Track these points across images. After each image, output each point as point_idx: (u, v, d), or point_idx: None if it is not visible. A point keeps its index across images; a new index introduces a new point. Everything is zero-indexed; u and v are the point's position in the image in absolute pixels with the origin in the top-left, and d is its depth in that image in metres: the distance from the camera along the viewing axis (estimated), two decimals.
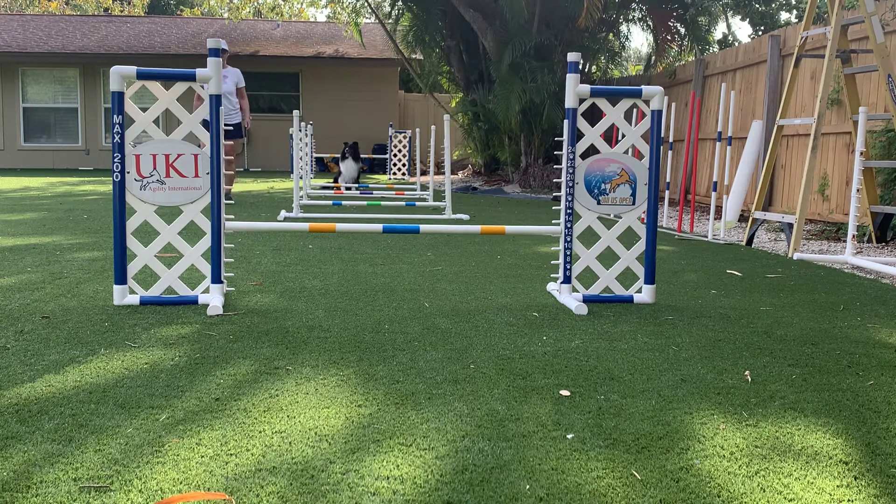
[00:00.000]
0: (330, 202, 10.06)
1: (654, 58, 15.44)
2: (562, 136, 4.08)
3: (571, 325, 3.63)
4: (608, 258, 4.59)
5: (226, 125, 4.14)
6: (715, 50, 16.27)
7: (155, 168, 3.81)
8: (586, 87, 4.01)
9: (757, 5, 19.63)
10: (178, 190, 3.83)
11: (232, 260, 4.55)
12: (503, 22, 14.09)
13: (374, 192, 12.41)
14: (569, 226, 4.08)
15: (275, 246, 6.04)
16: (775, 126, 7.13)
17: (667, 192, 8.80)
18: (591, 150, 4.09)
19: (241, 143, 6.13)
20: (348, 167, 14.51)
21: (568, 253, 4.09)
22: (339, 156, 15.02)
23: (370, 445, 2.13)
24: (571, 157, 4.03)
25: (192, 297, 3.89)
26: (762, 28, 20.20)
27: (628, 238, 4.20)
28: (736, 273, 5.31)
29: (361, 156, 15.12)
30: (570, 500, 1.84)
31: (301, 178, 9.99)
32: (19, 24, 21.98)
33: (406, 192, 11.91)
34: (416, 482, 1.91)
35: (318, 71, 20.58)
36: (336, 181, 14.42)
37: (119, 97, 3.72)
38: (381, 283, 4.57)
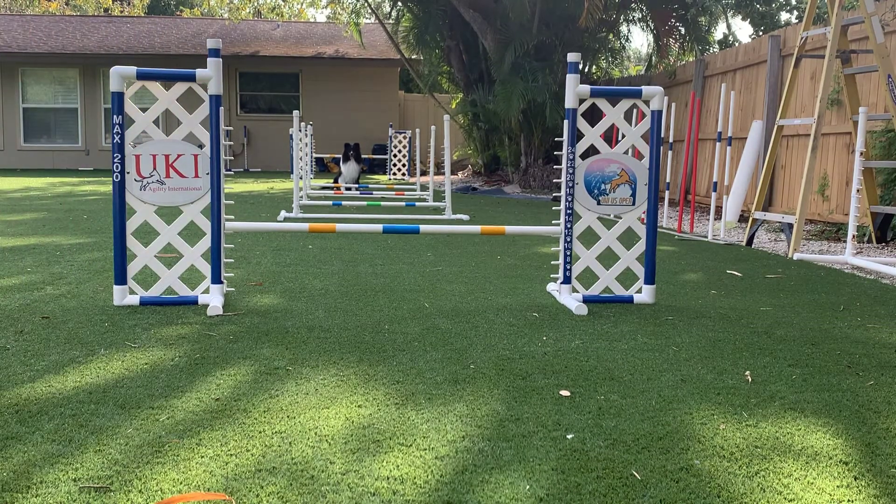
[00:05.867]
0: (330, 202, 10.06)
1: (654, 58, 15.45)
2: (562, 137, 4.08)
3: (571, 325, 3.63)
4: (608, 258, 4.59)
5: None
6: (715, 50, 16.28)
7: (155, 168, 3.81)
8: (586, 88, 4.01)
9: (758, 5, 19.62)
10: (178, 190, 3.83)
11: (232, 260, 4.55)
12: (503, 22, 14.09)
13: (374, 192, 12.41)
14: (569, 226, 4.08)
15: (275, 246, 6.04)
16: (775, 126, 7.13)
17: (667, 192, 8.80)
18: (591, 151, 4.09)
19: None
20: (349, 168, 14.51)
21: (568, 253, 4.09)
22: (339, 156, 15.02)
23: (370, 445, 2.13)
24: (571, 157, 4.03)
25: (192, 297, 3.89)
26: (762, 28, 20.20)
27: (628, 238, 4.20)
28: (736, 273, 5.31)
29: (361, 156, 15.12)
30: (570, 500, 1.84)
31: (301, 178, 9.99)
32: (19, 25, 21.98)
33: (406, 193, 11.91)
34: (416, 482, 1.91)
35: (318, 71, 20.58)
36: (336, 181, 14.42)
37: (119, 97, 3.72)
38: (381, 284, 4.57)
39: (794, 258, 6.11)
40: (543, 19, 13.94)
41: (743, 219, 9.41)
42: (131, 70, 3.74)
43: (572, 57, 4.04)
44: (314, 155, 16.10)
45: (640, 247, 4.16)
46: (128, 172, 3.78)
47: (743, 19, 20.09)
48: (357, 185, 13.27)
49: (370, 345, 3.20)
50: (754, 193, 8.65)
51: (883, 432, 2.33)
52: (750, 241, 7.08)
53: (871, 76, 7.56)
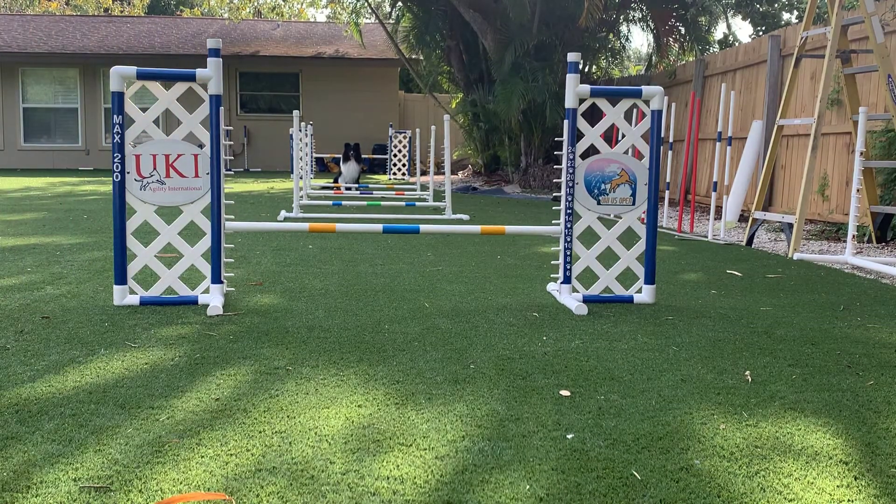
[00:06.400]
0: (330, 202, 10.06)
1: (654, 58, 15.45)
2: (562, 137, 4.08)
3: (571, 325, 3.63)
4: (608, 258, 4.59)
5: None
6: (715, 50, 16.28)
7: (155, 168, 3.81)
8: (586, 88, 4.01)
9: (758, 5, 19.63)
10: (178, 190, 3.83)
11: (232, 260, 4.55)
12: (503, 22, 14.09)
13: (374, 192, 12.41)
14: (569, 226, 4.08)
15: (275, 246, 6.04)
16: (775, 126, 7.13)
17: (667, 192, 8.80)
18: (591, 150, 4.09)
19: None
20: (349, 168, 14.52)
21: (568, 253, 4.09)
22: (339, 156, 15.02)
23: (370, 445, 2.13)
24: (571, 157, 4.03)
25: (192, 297, 3.89)
26: (763, 28, 20.21)
27: (628, 238, 4.20)
28: (736, 273, 5.31)
29: (362, 156, 15.13)
30: (570, 500, 1.84)
31: (301, 178, 9.99)
32: (19, 24, 21.98)
33: (406, 193, 11.90)
34: (416, 482, 1.91)
35: (318, 71, 20.58)
36: (336, 181, 14.43)
37: (119, 97, 3.72)
38: (381, 283, 4.57)
39: (794, 258, 6.11)
40: (543, 19, 13.94)
41: (743, 219, 9.41)
42: (131, 70, 3.74)
43: (572, 57, 4.04)
44: (314, 155, 16.10)
45: (640, 247, 4.16)
46: (128, 172, 3.78)
47: (743, 19, 20.10)
48: (357, 185, 13.27)
49: (370, 345, 3.20)
50: (754, 193, 8.65)
51: (883, 432, 2.33)
52: (750, 240, 7.08)
53: (871, 76, 7.56)
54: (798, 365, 3.04)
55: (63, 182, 14.28)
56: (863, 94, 7.67)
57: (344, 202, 10.31)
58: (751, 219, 7.11)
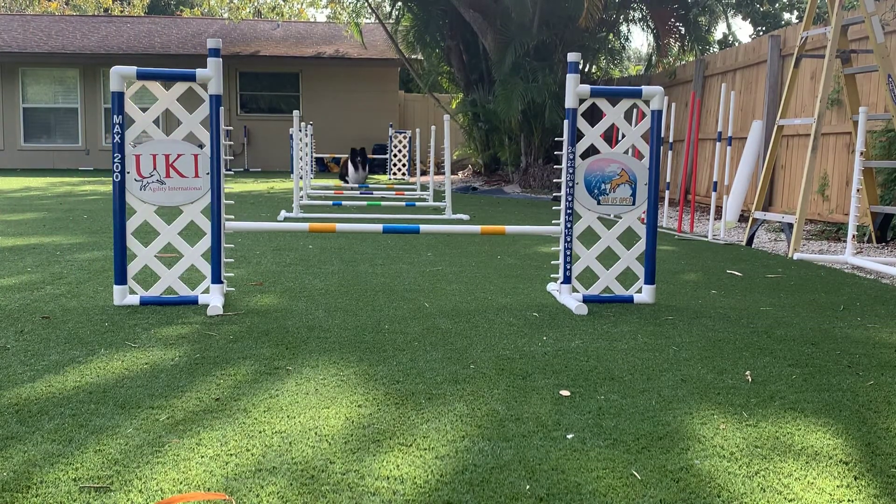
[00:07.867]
0: (330, 202, 10.06)
1: (654, 58, 15.45)
2: (562, 137, 4.08)
3: (571, 325, 3.63)
4: (608, 258, 4.59)
5: None
6: (715, 50, 16.28)
7: (155, 168, 3.81)
8: (586, 88, 4.01)
9: (758, 5, 19.63)
10: (178, 190, 3.83)
11: (232, 260, 4.55)
12: (504, 22, 14.09)
13: (375, 192, 12.41)
14: (569, 226, 4.08)
15: (275, 246, 6.04)
16: (775, 126, 7.13)
17: (667, 192, 8.80)
18: (592, 150, 4.09)
19: None
20: (357, 174, 14.78)
21: (568, 253, 4.09)
22: (339, 156, 15.10)
23: (370, 445, 2.13)
24: (571, 157, 4.03)
25: (193, 297, 3.89)
26: (763, 28, 20.21)
27: (628, 238, 4.20)
28: (736, 273, 5.30)
29: (367, 160, 15.32)
30: (570, 500, 1.84)
31: (301, 178, 9.99)
32: (19, 24, 21.98)
33: (406, 193, 11.90)
34: (416, 482, 1.91)
35: (318, 71, 20.58)
36: (345, 181, 14.63)
37: (119, 97, 3.72)
38: (381, 283, 4.57)
39: (794, 258, 6.11)
40: (543, 19, 13.94)
41: (743, 219, 9.41)
42: (131, 70, 3.74)
43: (572, 57, 4.04)
44: (314, 155, 16.11)
45: (640, 247, 4.16)
46: (128, 172, 3.78)
47: (743, 19, 20.11)
48: (358, 186, 13.32)
49: (370, 345, 3.20)
50: (754, 193, 8.65)
51: (883, 432, 2.33)
52: (750, 240, 7.08)
53: (871, 76, 7.56)
54: (798, 365, 3.04)
55: (63, 182, 14.27)
56: (863, 94, 7.67)
57: (344, 202, 10.31)
58: (751, 219, 7.11)
